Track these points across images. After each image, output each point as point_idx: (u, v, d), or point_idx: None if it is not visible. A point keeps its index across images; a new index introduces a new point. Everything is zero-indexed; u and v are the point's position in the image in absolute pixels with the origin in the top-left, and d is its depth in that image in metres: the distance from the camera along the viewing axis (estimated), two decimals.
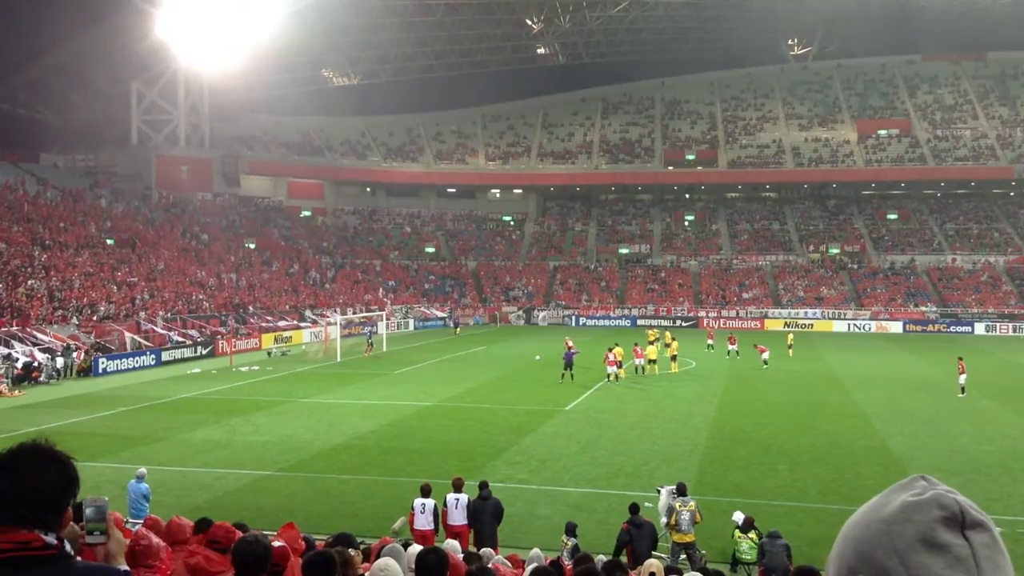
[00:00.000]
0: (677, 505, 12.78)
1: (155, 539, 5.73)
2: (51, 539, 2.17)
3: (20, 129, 68.43)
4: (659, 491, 14.18)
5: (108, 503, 2.60)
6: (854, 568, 1.16)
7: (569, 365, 33.28)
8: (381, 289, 66.00)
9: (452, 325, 60.80)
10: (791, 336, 44.98)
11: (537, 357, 44.82)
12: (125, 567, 2.64)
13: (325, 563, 4.95)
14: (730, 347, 41.58)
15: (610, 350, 33.71)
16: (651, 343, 37.92)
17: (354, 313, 53.93)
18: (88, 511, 2.62)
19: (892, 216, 75.27)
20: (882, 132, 78.00)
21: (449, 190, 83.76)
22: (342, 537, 7.94)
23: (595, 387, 31.60)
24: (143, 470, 14.33)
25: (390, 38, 74.36)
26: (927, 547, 1.10)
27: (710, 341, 45.73)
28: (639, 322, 63.11)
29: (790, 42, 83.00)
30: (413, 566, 5.47)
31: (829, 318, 62.24)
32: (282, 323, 51.10)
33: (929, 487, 1.17)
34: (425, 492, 12.91)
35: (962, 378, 29.44)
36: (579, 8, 71.47)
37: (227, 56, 62.80)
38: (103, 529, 2.64)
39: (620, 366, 33.55)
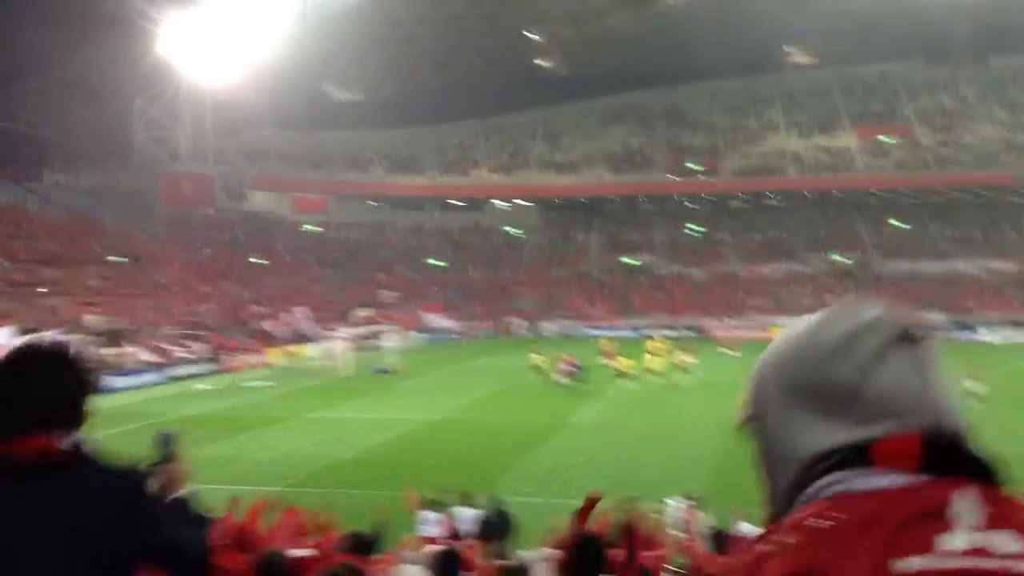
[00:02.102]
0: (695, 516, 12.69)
1: None
2: (68, 442, 2.16)
3: (22, 147, 68.66)
4: (667, 503, 14.09)
5: (176, 434, 2.60)
6: (800, 387, 1.10)
7: (575, 376, 33.33)
8: (385, 294, 65.72)
9: (460, 337, 60.76)
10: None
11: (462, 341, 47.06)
12: (186, 492, 2.62)
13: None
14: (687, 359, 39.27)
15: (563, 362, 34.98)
16: (652, 354, 37.84)
17: (359, 327, 53.93)
18: (156, 440, 2.61)
19: (895, 222, 75.19)
20: (883, 138, 77.98)
21: (453, 203, 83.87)
22: (356, 536, 7.99)
23: (600, 399, 31.56)
24: None
25: (391, 52, 74.57)
26: (885, 357, 1.07)
27: (730, 351, 45.46)
28: (644, 332, 62.94)
29: (789, 50, 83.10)
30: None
31: None
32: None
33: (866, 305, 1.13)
34: (432, 505, 12.87)
35: (978, 386, 29.09)
36: (579, 19, 71.69)
37: (230, 71, 63.13)
38: (169, 457, 2.64)
39: (578, 368, 34.50)
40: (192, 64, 61.83)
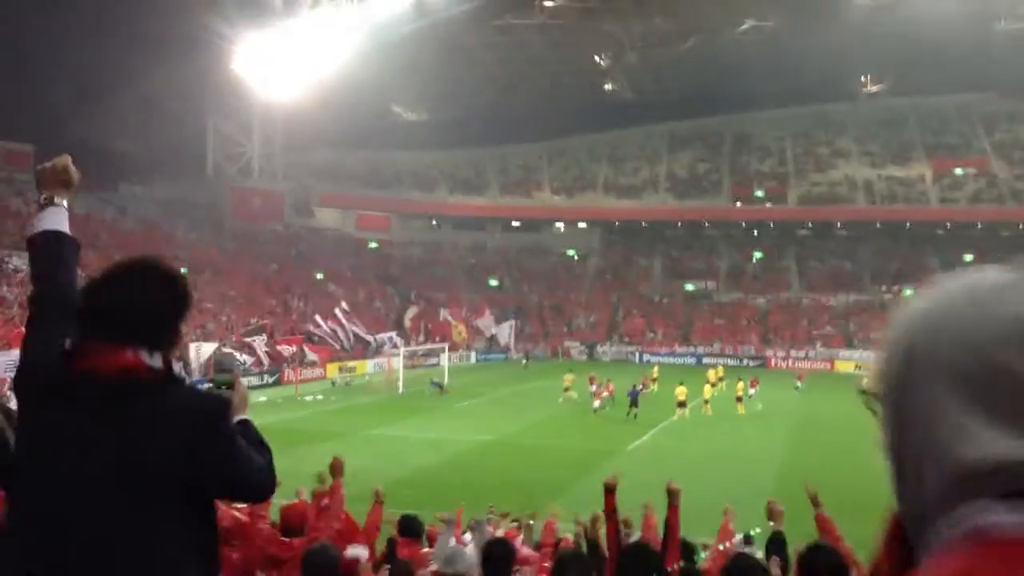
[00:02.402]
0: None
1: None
2: (156, 361, 2.12)
3: (101, 160, 70.80)
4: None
5: (236, 357, 2.58)
6: (964, 370, 0.83)
7: (634, 403, 32.97)
8: (444, 315, 65.96)
9: (523, 358, 60.68)
10: (866, 381, 43.67)
11: (524, 363, 47.16)
12: (246, 416, 2.60)
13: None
14: (750, 391, 38.62)
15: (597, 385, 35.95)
16: (712, 384, 37.36)
17: (417, 344, 54.29)
18: (217, 364, 2.60)
19: (968, 256, 73.06)
20: (958, 171, 76.03)
21: (514, 223, 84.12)
22: (407, 519, 8.08)
23: (659, 426, 31.16)
24: None
25: (458, 75, 75.37)
26: None
27: (800, 383, 44.73)
28: (704, 360, 62.18)
29: (863, 79, 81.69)
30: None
31: None
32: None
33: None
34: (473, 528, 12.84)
35: None
36: (647, 44, 71.56)
37: (300, 90, 64.43)
38: (229, 381, 2.60)
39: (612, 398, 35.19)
40: (265, 83, 63.27)
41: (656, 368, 47.09)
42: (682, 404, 33.11)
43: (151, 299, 2.19)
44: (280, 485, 2.69)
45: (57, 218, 2.60)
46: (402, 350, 46.47)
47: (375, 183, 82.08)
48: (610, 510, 6.92)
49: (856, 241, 78.07)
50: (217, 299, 52.38)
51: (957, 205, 73.06)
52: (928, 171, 77.01)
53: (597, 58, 73.57)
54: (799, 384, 45.06)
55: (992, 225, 72.40)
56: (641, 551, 5.14)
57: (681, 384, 33.91)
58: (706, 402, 34.82)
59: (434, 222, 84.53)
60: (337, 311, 52.62)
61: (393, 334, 52.72)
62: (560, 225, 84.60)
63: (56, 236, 2.54)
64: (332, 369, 48.03)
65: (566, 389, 38.77)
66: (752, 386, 38.94)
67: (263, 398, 38.21)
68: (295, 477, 22.01)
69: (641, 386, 35.83)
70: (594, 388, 36.15)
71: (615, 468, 23.25)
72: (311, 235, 74.91)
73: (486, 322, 60.40)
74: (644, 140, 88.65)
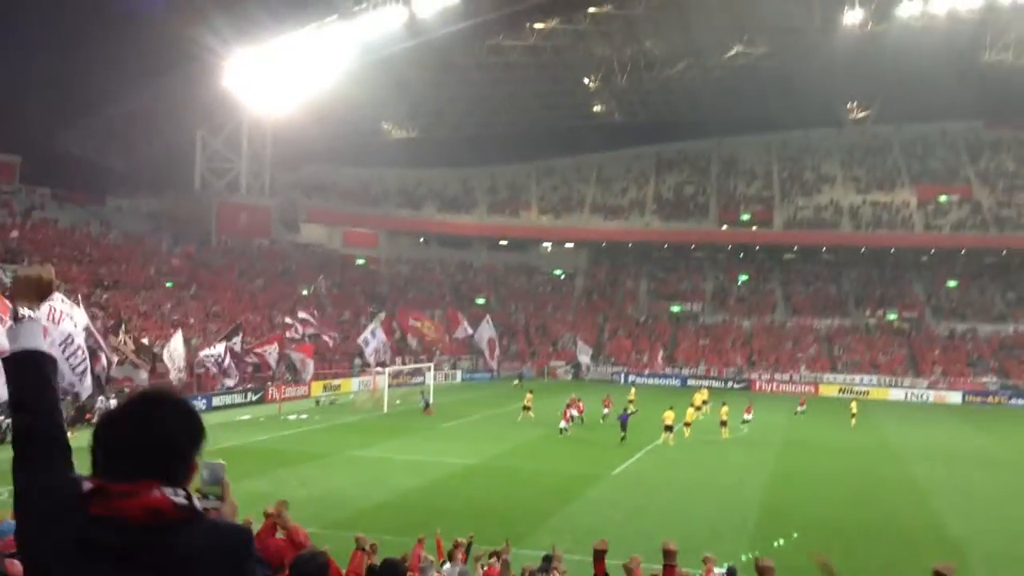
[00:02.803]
0: None
1: None
2: (181, 498, 2.06)
3: (88, 173, 70.60)
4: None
5: (225, 467, 2.51)
6: None
7: (623, 427, 32.92)
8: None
9: (516, 377, 60.69)
10: (855, 404, 43.68)
11: (515, 382, 47.32)
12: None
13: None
14: (746, 416, 38.84)
15: (568, 405, 36.39)
16: (697, 408, 37.43)
17: (402, 363, 54.12)
18: (204, 473, 2.50)
19: (952, 283, 73.64)
20: (942, 198, 76.68)
21: (501, 243, 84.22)
22: (388, 563, 8.16)
23: (643, 450, 31.11)
24: None
25: (449, 94, 75.53)
26: None
27: (801, 407, 44.46)
28: (689, 382, 62.26)
29: (849, 105, 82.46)
30: None
31: (885, 385, 60.78)
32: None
33: None
34: (451, 557, 13.06)
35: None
36: (637, 68, 71.97)
37: (290, 107, 64.43)
38: (218, 494, 2.53)
39: (571, 420, 35.58)
40: (254, 98, 63.24)
41: (633, 390, 46.90)
42: (669, 428, 33.09)
43: (169, 433, 2.16)
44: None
45: (35, 334, 2.38)
46: (387, 369, 46.30)
47: (363, 200, 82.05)
48: (601, 574, 6.97)
49: (841, 265, 78.53)
50: (201, 313, 52.08)
51: (941, 231, 73.65)
52: (913, 197, 77.67)
53: (587, 80, 73.88)
54: (800, 408, 44.94)
55: (976, 252, 73.09)
56: None
57: (670, 408, 33.90)
58: (687, 424, 34.71)
59: (421, 240, 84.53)
60: (301, 313, 52.26)
61: (372, 331, 51.87)
62: (547, 245, 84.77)
63: (38, 357, 2.34)
64: (316, 387, 47.82)
65: (525, 408, 39.20)
66: (747, 412, 38.98)
67: (246, 416, 38.02)
68: (273, 500, 21.72)
69: (632, 409, 35.84)
70: (567, 411, 36.30)
71: (600, 494, 23.27)
72: (298, 251, 74.72)
73: (462, 329, 59.66)
74: (632, 162, 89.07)
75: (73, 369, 30.54)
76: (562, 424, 34.74)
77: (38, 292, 2.47)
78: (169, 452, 2.14)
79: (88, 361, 30.86)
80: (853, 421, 41.06)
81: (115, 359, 34.43)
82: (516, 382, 58.42)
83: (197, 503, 2.15)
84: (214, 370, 40.08)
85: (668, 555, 6.63)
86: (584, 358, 64.56)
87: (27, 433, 2.23)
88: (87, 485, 2.08)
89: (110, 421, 2.17)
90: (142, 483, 2.05)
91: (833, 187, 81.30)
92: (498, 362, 61.77)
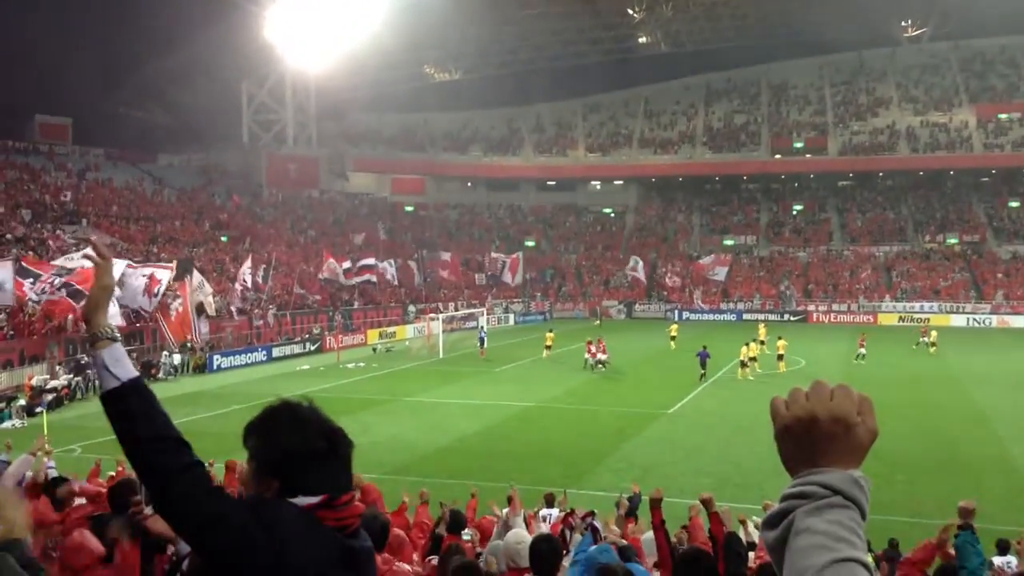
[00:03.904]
0: None
1: None
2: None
3: (138, 131, 71.59)
4: (766, 508, 13.64)
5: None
6: None
7: (703, 364, 32.72)
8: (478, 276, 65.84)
9: (596, 317, 61.66)
10: (934, 334, 42.46)
11: (597, 322, 51.35)
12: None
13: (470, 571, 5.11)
14: (860, 350, 37.66)
15: (590, 343, 36.30)
16: (762, 341, 36.82)
17: (455, 308, 54.48)
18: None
19: (1014, 203, 71.39)
20: (1003, 116, 73.91)
21: (549, 183, 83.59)
22: (454, 513, 8.23)
23: (698, 388, 31.01)
24: None
25: (490, 32, 74.59)
26: None
27: (861, 350, 38.48)
28: (744, 316, 61.70)
29: (903, 23, 79.47)
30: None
31: (947, 312, 59.51)
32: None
33: None
34: (549, 502, 12.55)
35: None
36: None
37: (332, 55, 64.29)
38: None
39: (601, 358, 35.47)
40: (296, 49, 63.19)
41: (675, 326, 46.52)
42: (744, 364, 32.93)
43: (347, 439, 2.23)
44: None
45: (122, 359, 2.16)
46: (441, 315, 46.64)
47: (409, 146, 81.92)
48: (658, 522, 6.96)
49: (898, 190, 76.61)
50: (257, 267, 52.78)
51: (1002, 150, 71.17)
52: (972, 116, 75.03)
53: (631, 10, 72.26)
54: (924, 339, 42.85)
55: None
56: (695, 558, 5.13)
57: (745, 344, 33.56)
58: (754, 359, 33.98)
59: (469, 184, 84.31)
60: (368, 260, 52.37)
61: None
62: (596, 183, 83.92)
63: (142, 387, 2.15)
64: (373, 335, 48.43)
65: (548, 346, 39.73)
66: (860, 345, 37.89)
67: (305, 366, 38.73)
68: None
69: (603, 357, 35.70)
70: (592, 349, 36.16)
71: (658, 432, 23.28)
72: (347, 200, 75.18)
73: (492, 270, 60.64)
74: (680, 93, 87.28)
75: (137, 292, 31.34)
76: (593, 359, 35.45)
77: (106, 304, 2.30)
78: (351, 458, 2.23)
79: (148, 281, 31.73)
80: (933, 350, 40.35)
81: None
82: (597, 322, 59.00)
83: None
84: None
85: (706, 504, 6.68)
86: (637, 274, 63.78)
87: (179, 468, 2.08)
88: (307, 501, 2.06)
89: (300, 437, 2.12)
90: (353, 493, 2.16)
91: (888, 110, 78.86)
92: (551, 305, 61.80)
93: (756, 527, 10.18)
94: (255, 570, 1.95)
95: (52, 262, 32.09)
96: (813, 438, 1.38)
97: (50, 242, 42.66)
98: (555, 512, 12.53)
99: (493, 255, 61.97)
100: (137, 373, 2.16)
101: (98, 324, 2.20)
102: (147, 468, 2.08)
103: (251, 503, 2.10)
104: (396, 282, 53.79)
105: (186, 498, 2.02)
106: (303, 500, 2.04)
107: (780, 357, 35.31)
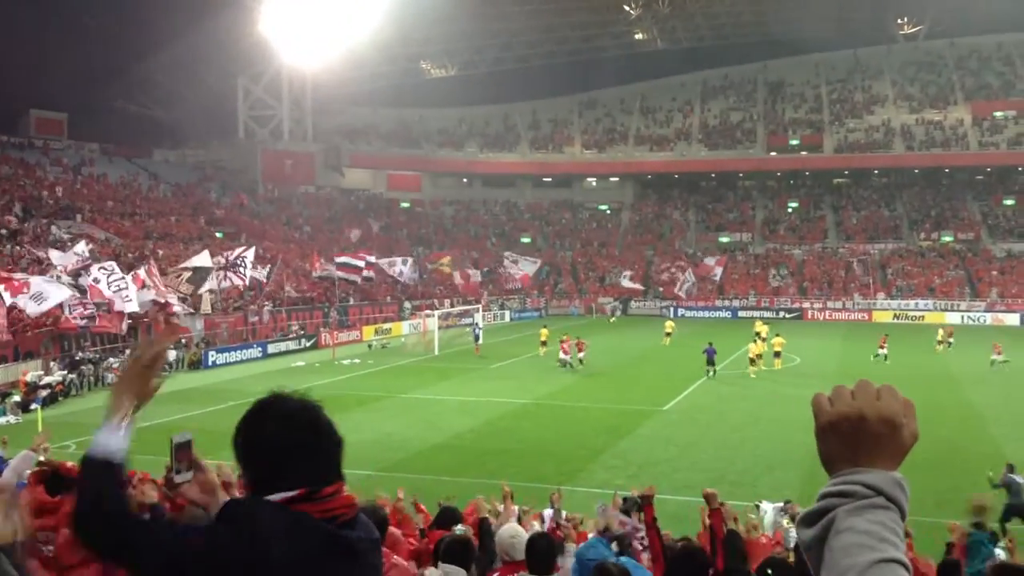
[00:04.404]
0: (785, 523, 12.28)
1: None
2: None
3: (134, 126, 71.43)
4: (759, 507, 13.65)
5: (192, 438, 2.44)
6: None
7: (711, 360, 32.71)
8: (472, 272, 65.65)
9: (609, 313, 62.24)
10: (942, 331, 42.26)
11: (612, 319, 52.59)
12: (230, 497, 2.56)
13: (466, 545, 5.12)
14: (880, 351, 36.35)
15: (563, 341, 35.59)
16: (763, 339, 36.62)
17: (451, 305, 54.47)
18: (173, 447, 2.42)
19: (1009, 201, 71.54)
20: (998, 114, 74.03)
21: (545, 179, 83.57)
22: (447, 510, 8.20)
23: (693, 385, 31.06)
24: None
25: (487, 28, 74.52)
26: None
27: (882, 351, 36.61)
28: (740, 314, 61.78)
29: (899, 20, 79.55)
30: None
31: (941, 309, 59.64)
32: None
33: None
34: (553, 503, 12.26)
35: None
36: None
37: (328, 50, 64.18)
38: (193, 464, 2.48)
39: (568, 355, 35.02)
40: (292, 44, 63.08)
41: (670, 323, 46.65)
42: (753, 360, 33.04)
43: (336, 431, 2.22)
44: None
45: (121, 440, 2.19)
46: (436, 311, 46.63)
47: (405, 142, 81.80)
48: (650, 519, 6.96)
49: (894, 188, 76.74)
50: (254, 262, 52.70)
51: (997, 148, 71.28)
52: (967, 114, 75.17)
53: (627, 7, 72.27)
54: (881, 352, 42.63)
55: None
56: (690, 554, 5.13)
57: (753, 341, 33.81)
58: (760, 356, 33.84)
59: (465, 180, 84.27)
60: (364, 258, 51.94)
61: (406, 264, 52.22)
62: (592, 180, 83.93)
63: (111, 467, 2.14)
64: (368, 331, 48.42)
65: (543, 343, 39.70)
66: (882, 345, 36.59)
67: (300, 362, 38.72)
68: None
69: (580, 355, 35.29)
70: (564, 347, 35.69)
71: (652, 430, 23.30)
72: (342, 196, 75.11)
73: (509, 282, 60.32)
74: (676, 90, 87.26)
75: (119, 292, 31.26)
76: (567, 357, 34.97)
77: (145, 384, 2.34)
78: (339, 451, 2.21)
79: (131, 284, 31.68)
80: (940, 348, 40.05)
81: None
82: (612, 319, 59.27)
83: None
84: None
85: (709, 499, 6.69)
86: (627, 283, 63.78)
87: (135, 542, 2.06)
88: (284, 496, 2.06)
89: (281, 429, 2.13)
90: (341, 484, 2.13)
91: (884, 107, 78.97)
92: (546, 302, 61.87)
93: (753, 528, 10.19)
94: (237, 572, 1.96)
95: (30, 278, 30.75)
96: (859, 437, 1.38)
97: (47, 235, 42.55)
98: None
99: (507, 266, 60.30)
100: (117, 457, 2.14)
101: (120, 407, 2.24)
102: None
103: (224, 510, 2.14)
104: (410, 281, 53.16)
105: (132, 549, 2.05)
106: (279, 496, 2.05)
107: (777, 354, 35.35)
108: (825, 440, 1.42)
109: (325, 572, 2.04)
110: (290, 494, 2.05)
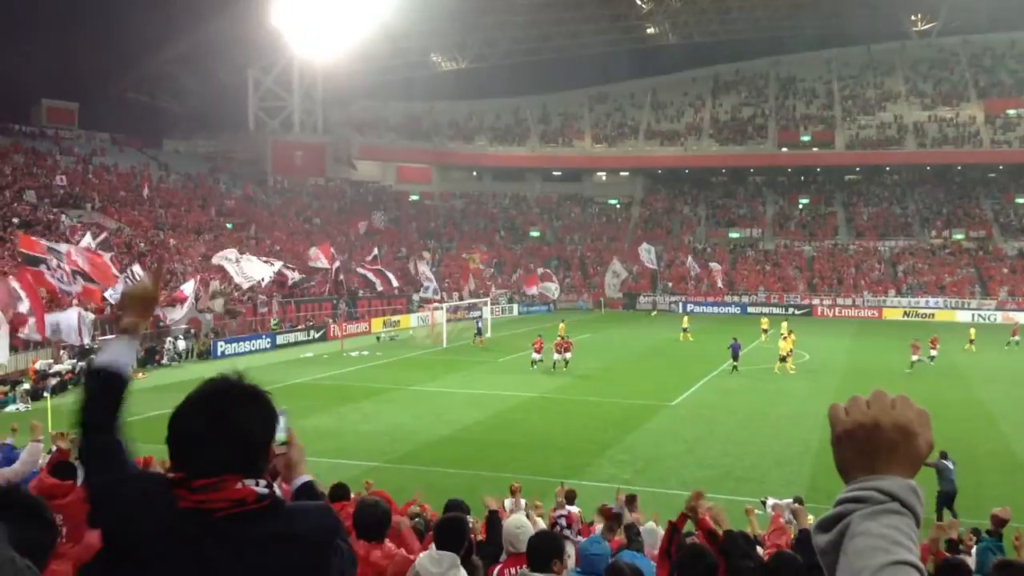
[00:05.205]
0: (785, 516, 12.22)
1: None
2: (262, 488, 2.07)
3: (145, 116, 71.66)
4: (764, 503, 13.54)
5: (287, 413, 2.50)
6: None
7: (735, 356, 32.64)
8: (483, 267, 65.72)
9: (651, 308, 63.07)
10: (973, 331, 42.02)
11: (653, 312, 52.86)
12: (308, 476, 2.59)
13: (457, 526, 5.14)
14: (913, 357, 33.96)
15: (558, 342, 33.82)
16: (784, 337, 35.94)
17: (460, 298, 54.48)
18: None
19: (1021, 199, 71.11)
20: (1011, 111, 73.53)
21: (555, 173, 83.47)
22: (454, 503, 8.20)
23: (701, 381, 30.99)
24: None
25: (497, 21, 74.35)
26: None
27: (915, 356, 34.18)
28: (749, 309, 61.62)
29: (913, 17, 79.08)
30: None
31: (951, 307, 59.36)
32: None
33: None
34: (570, 499, 11.88)
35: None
36: None
37: (339, 43, 64.15)
38: (283, 439, 2.55)
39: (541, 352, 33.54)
40: (303, 36, 63.07)
41: (686, 318, 46.80)
42: (783, 358, 32.72)
43: (246, 427, 2.12)
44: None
45: (126, 352, 2.50)
46: (445, 304, 46.64)
47: (415, 135, 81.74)
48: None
49: (905, 185, 76.36)
50: (263, 253, 52.80)
51: (1010, 146, 70.82)
52: (980, 112, 74.69)
53: (639, 1, 72.02)
54: (1015, 338, 40.56)
55: None
56: (699, 554, 5.09)
57: (783, 338, 33.31)
58: (784, 359, 32.99)
59: (474, 173, 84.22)
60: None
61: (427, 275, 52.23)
62: (602, 174, 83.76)
63: (118, 377, 2.45)
64: (377, 324, 48.47)
65: (561, 336, 38.66)
66: (932, 347, 35.15)
67: (309, 354, 38.79)
68: (338, 437, 22.16)
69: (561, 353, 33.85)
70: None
71: (660, 424, 23.26)
72: (352, 188, 75.12)
73: (535, 288, 60.01)
74: (687, 85, 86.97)
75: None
76: (555, 357, 33.12)
77: (147, 309, 2.61)
78: (247, 446, 2.12)
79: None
80: (972, 346, 39.72)
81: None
82: (654, 312, 59.58)
83: (278, 491, 2.14)
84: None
85: (693, 512, 6.06)
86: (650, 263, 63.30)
87: (103, 450, 2.33)
88: (169, 476, 2.09)
89: (185, 415, 2.13)
90: (224, 477, 2.04)
91: (897, 104, 78.54)
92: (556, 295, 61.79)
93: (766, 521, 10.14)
94: (104, 537, 2.11)
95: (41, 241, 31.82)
96: (874, 445, 1.40)
97: (58, 224, 42.69)
98: (573, 509, 12.15)
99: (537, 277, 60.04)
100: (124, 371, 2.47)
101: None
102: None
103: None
104: (431, 283, 52.45)
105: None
106: (169, 475, 2.11)
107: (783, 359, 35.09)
108: (841, 448, 1.45)
109: (175, 554, 2.02)
110: (170, 476, 2.09)
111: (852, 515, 1.34)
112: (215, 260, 40.57)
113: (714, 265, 63.55)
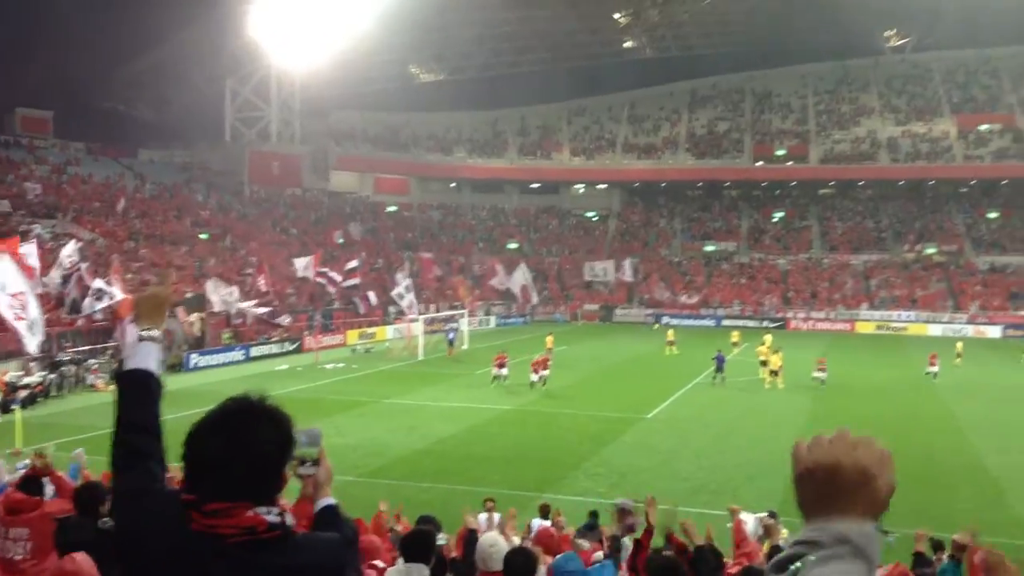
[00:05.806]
0: (757, 532, 12.28)
1: None
2: (274, 516, 2.06)
3: (120, 126, 71.10)
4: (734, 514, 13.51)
5: (321, 433, 2.50)
6: None
7: (719, 367, 32.97)
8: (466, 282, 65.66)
9: (653, 321, 62.35)
10: (960, 344, 42.38)
11: (656, 326, 53.07)
12: (331, 500, 2.59)
13: (424, 538, 5.11)
14: (931, 368, 34.96)
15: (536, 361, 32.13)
16: (775, 351, 35.64)
17: (437, 310, 54.37)
18: (302, 438, 2.49)
19: (993, 214, 72.09)
20: (984, 127, 74.62)
21: (532, 185, 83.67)
22: (426, 519, 8.15)
23: (676, 394, 31.10)
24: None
25: (476, 34, 74.56)
26: None
27: (932, 368, 35.24)
28: (724, 322, 61.95)
29: (887, 33, 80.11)
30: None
31: (923, 321, 59.99)
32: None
33: None
34: (544, 512, 11.88)
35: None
36: (668, 1, 70.41)
37: (317, 53, 64.08)
38: (315, 457, 2.55)
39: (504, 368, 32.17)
40: (281, 47, 62.95)
41: (671, 331, 46.92)
42: (775, 372, 32.85)
43: (263, 449, 2.11)
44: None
45: (151, 355, 2.51)
46: (422, 316, 46.51)
47: (393, 146, 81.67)
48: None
49: (879, 199, 77.17)
50: (239, 264, 52.53)
51: (982, 161, 71.84)
52: (953, 127, 75.73)
53: (616, 15, 72.48)
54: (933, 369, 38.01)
55: (1018, 182, 71.18)
56: (671, 567, 5.10)
57: (775, 352, 33.39)
58: (775, 373, 33.06)
59: (452, 185, 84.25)
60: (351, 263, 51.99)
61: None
62: (579, 186, 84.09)
63: (149, 378, 2.46)
64: (352, 336, 48.26)
65: (548, 350, 38.64)
66: (931, 363, 35.19)
67: (284, 366, 38.55)
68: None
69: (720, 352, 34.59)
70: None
71: (635, 437, 23.29)
72: (330, 199, 74.89)
73: (498, 280, 59.35)
74: (664, 99, 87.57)
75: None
76: (537, 376, 31.59)
77: (159, 311, 2.64)
78: (262, 470, 2.11)
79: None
80: (959, 360, 39.65)
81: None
82: (656, 325, 59.14)
83: (289, 520, 2.12)
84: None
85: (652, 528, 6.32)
86: (507, 284, 62.03)
87: (135, 450, 2.32)
88: (183, 497, 2.09)
89: (202, 435, 2.13)
90: (237, 504, 2.04)
91: (870, 119, 79.48)
92: (532, 308, 61.76)
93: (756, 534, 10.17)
94: (117, 549, 2.18)
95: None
96: (835, 486, 1.38)
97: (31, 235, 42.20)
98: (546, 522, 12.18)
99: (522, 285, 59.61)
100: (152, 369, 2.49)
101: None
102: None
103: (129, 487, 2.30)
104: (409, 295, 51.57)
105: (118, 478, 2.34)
106: (183, 496, 2.11)
107: (764, 363, 35.25)
108: (802, 487, 1.43)
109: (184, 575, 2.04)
110: (184, 497, 2.10)
111: (804, 558, 1.33)
112: (207, 289, 40.03)
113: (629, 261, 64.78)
